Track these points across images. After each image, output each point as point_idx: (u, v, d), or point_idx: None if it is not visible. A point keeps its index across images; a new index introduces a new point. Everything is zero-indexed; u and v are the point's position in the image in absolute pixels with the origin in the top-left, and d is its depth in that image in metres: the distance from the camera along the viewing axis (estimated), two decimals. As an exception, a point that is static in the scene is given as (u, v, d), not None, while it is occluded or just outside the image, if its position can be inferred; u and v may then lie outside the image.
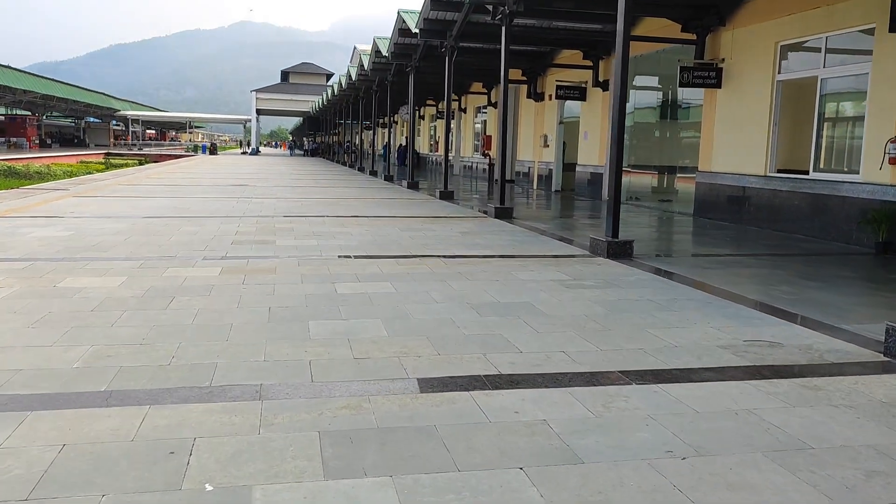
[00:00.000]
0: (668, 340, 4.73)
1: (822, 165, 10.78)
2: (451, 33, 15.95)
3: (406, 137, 30.88)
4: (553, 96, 19.74)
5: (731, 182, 12.50)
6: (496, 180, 19.07)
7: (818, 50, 10.73)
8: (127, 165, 46.12)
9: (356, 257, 7.91)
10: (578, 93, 18.67)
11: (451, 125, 33.08)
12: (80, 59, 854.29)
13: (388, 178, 25.23)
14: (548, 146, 21.39)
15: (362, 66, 27.09)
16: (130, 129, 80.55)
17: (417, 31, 16.28)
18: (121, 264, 7.11)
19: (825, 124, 10.81)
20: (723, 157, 12.77)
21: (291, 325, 4.93)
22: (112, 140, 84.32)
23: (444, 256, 8.14)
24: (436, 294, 6.04)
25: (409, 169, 21.51)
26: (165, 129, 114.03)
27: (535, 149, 22.33)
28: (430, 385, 3.76)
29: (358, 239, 9.47)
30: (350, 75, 32.31)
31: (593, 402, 3.56)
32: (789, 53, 11.41)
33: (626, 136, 17.70)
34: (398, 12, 18.28)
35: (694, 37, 13.21)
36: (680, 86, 12.81)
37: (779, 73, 11.49)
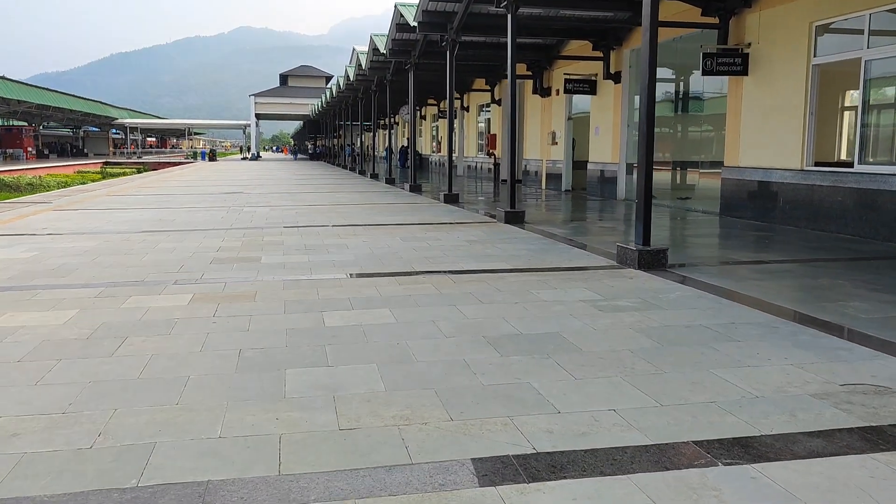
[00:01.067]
0: (742, 387, 3.69)
1: (868, 157, 9.72)
2: (452, 26, 14.92)
3: (407, 138, 29.84)
4: (561, 91, 18.72)
5: (761, 177, 11.44)
6: (504, 180, 18.02)
7: (860, 29, 9.66)
8: (125, 174, 45.18)
9: (351, 276, 6.89)
10: (588, 86, 17.61)
11: (454, 124, 32.14)
12: (82, 69, 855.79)
13: (390, 182, 24.22)
14: (556, 143, 20.34)
15: (360, 65, 26.06)
16: (130, 137, 79.75)
17: (416, 24, 15.26)
18: (76, 293, 6.10)
19: (871, 111, 9.75)
20: (752, 150, 11.71)
21: (264, 376, 3.91)
22: (111, 149, 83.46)
23: (452, 272, 7.11)
24: (444, 324, 5.01)
25: (411, 171, 20.49)
26: (166, 137, 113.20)
27: (542, 147, 21.28)
28: (441, 476, 2.72)
29: (354, 253, 8.45)
30: (348, 76, 31.29)
31: (672, 501, 2.53)
32: (826, 34, 10.36)
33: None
34: (395, 6, 17.26)
35: (716, 20, 12.16)
36: (703, 74, 11.74)
37: (814, 56, 10.43)
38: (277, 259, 7.95)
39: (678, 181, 15.92)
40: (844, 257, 8.11)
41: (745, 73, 11.71)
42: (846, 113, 10.19)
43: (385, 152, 45.54)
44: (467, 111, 30.15)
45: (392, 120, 43.67)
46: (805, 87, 10.49)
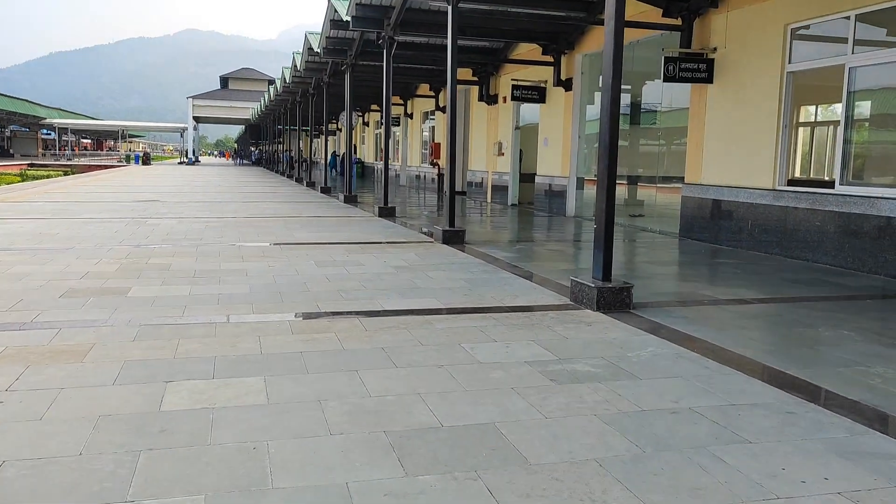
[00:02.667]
0: (782, 549, 2.31)
1: (852, 177, 8.61)
2: (389, 22, 13.48)
3: (347, 145, 28.22)
4: (508, 98, 17.43)
5: (727, 197, 10.28)
6: (445, 192, 16.68)
7: (844, 32, 8.56)
8: (49, 177, 42.50)
9: (232, 321, 5.33)
10: (537, 93, 16.37)
11: (397, 132, 30.68)
12: (18, 68, 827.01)
13: (325, 191, 22.60)
14: (502, 154, 19.04)
15: (296, 66, 24.44)
16: (61, 138, 75.97)
17: (349, 18, 13.76)
18: None
19: (855, 125, 8.64)
20: (716, 166, 10.56)
21: (4, 528, 2.37)
22: (40, 150, 79.49)
23: (367, 313, 5.63)
24: (335, 408, 3.52)
25: (346, 180, 18.95)
26: (102, 139, 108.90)
27: (488, 158, 19.97)
28: None
29: (253, 282, 6.89)
30: (285, 78, 29.61)
31: None
32: (804, 38, 9.25)
33: (593, 144, 15.55)
34: (328, 1, 15.73)
35: (679, 21, 11.00)
36: (664, 80, 10.54)
37: (789, 62, 9.31)
38: (151, 291, 6.34)
39: (628, 196, 14.76)
40: (834, 295, 6.90)
41: (709, 80, 10.56)
42: (827, 126, 9.08)
43: (331, 159, 43.70)
44: (411, 118, 28.74)
45: (337, 126, 41.97)
46: (778, 96, 9.36)
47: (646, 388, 3.92)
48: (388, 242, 10.29)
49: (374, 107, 33.38)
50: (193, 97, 64.84)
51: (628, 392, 3.84)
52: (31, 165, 56.54)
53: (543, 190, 16.63)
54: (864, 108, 8.64)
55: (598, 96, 15.14)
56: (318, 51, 18.12)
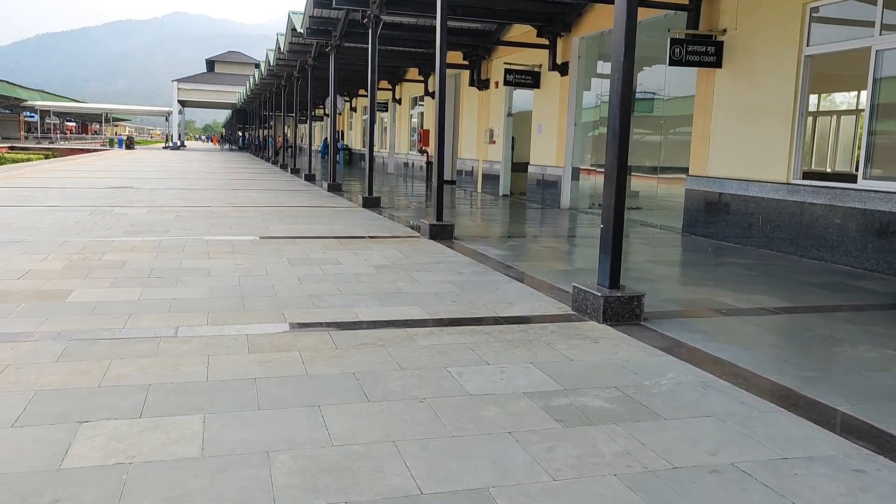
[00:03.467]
0: None
1: (877, 171, 7.89)
2: (376, -1, 12.66)
3: (332, 130, 27.31)
4: (500, 83, 16.64)
5: (735, 191, 9.57)
6: (433, 181, 15.94)
7: (870, 11, 7.82)
8: (29, 160, 41.49)
9: (181, 334, 4.56)
10: (531, 78, 15.57)
11: (385, 118, 29.81)
12: (3, 50, 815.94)
13: (310, 179, 21.75)
14: (494, 142, 18.25)
15: (279, 48, 23.52)
16: (44, 120, 74.45)
17: (333, -5, 12.93)
18: None
19: (882, 114, 7.92)
20: (724, 158, 9.83)
21: None
22: (22, 133, 77.90)
23: (340, 325, 4.88)
24: (283, 465, 2.77)
25: (330, 167, 18.13)
26: (87, 122, 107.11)
27: (479, 146, 19.17)
28: None
29: (213, 284, 6.12)
30: (269, 61, 28.65)
31: None
32: (824, 19, 8.52)
33: (589, 132, 14.86)
34: (311, -23, 14.87)
35: (686, 0, 10.24)
36: (670, 64, 9.78)
37: (807, 45, 8.58)
38: (95, 295, 5.56)
39: (631, 189, 14.04)
40: (864, 304, 6.20)
41: (718, 64, 9.82)
42: (850, 115, 8.37)
43: (322, 145, 42.65)
44: (399, 104, 27.84)
45: (323, 111, 40.99)
46: (794, 82, 8.62)
47: (673, 432, 3.19)
48: (370, 237, 9.52)
49: (361, 91, 32.46)
50: (179, 80, 63.46)
51: (652, 439, 3.10)
52: (12, 148, 55.26)
53: (536, 180, 15.88)
54: (891, 95, 7.91)
55: (595, 82, 14.41)
56: (302, 31, 17.23)
